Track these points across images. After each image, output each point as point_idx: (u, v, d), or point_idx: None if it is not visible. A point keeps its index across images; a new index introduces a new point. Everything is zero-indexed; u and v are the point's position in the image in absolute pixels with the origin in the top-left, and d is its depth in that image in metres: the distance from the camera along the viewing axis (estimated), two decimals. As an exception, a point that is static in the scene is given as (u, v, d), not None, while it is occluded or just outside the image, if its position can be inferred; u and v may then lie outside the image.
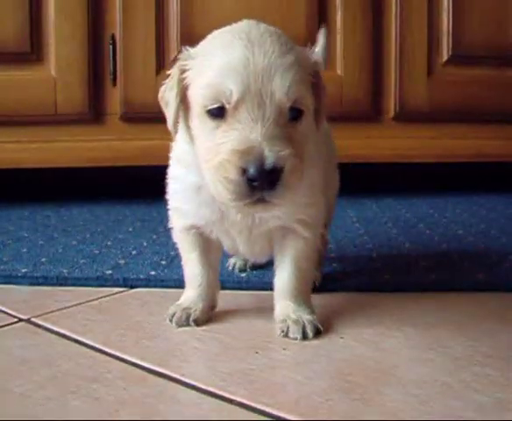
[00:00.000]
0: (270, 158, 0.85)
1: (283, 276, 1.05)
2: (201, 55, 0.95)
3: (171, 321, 1.04)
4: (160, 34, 1.98)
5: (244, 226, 1.03)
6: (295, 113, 0.91)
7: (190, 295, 1.09)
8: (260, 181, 0.85)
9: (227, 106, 0.89)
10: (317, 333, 1.00)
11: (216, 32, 0.98)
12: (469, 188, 2.35)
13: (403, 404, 0.78)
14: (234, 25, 0.97)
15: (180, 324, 1.04)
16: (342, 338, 0.99)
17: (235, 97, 0.88)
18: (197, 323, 1.04)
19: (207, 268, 1.09)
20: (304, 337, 0.98)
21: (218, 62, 0.91)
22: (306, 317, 1.02)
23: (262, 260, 1.20)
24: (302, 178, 0.91)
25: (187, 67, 0.96)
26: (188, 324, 1.04)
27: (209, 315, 1.07)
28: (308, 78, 0.94)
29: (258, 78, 0.88)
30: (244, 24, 0.96)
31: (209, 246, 1.09)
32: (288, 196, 0.89)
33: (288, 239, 1.05)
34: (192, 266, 1.10)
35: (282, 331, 1.00)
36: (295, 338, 0.98)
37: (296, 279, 1.05)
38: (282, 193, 0.87)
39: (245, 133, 0.87)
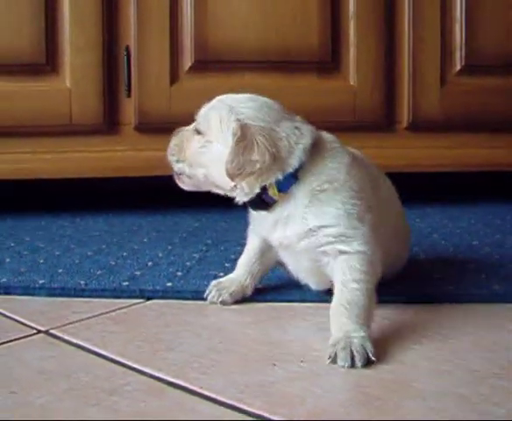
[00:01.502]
0: None
1: (334, 298, 1.06)
2: None
3: (207, 297, 1.22)
4: (174, 45, 1.99)
5: (275, 243, 1.17)
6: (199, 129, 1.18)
7: (232, 276, 1.26)
8: None
9: None
10: (368, 363, 0.94)
11: None
12: (483, 197, 2.35)
13: (422, 417, 0.78)
14: None
15: (211, 302, 1.21)
16: (359, 350, 1.00)
17: None
18: (223, 303, 1.21)
19: (252, 262, 1.25)
20: (352, 365, 0.94)
21: None
22: (356, 342, 0.97)
23: (311, 282, 1.21)
24: None
25: None
26: (215, 303, 1.21)
27: (236, 299, 1.22)
28: (229, 120, 1.12)
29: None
30: None
31: (265, 250, 1.24)
32: None
33: (333, 263, 1.10)
34: (244, 254, 1.27)
35: (330, 357, 0.95)
36: (343, 366, 0.93)
37: (345, 299, 1.04)
38: None
39: None
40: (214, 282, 1.24)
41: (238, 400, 0.82)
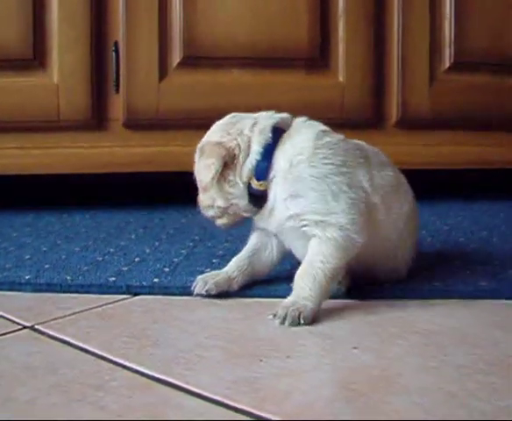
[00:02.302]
0: None
1: (300, 268, 1.15)
2: None
3: (193, 290, 1.21)
4: (163, 41, 1.98)
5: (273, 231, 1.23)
6: None
7: (225, 268, 1.25)
8: None
9: None
10: (298, 324, 1.07)
11: None
12: (471, 195, 2.35)
13: (408, 413, 0.78)
14: None
15: (197, 294, 1.21)
16: (345, 346, 1.00)
17: None
18: (208, 292, 1.20)
19: (244, 260, 1.25)
20: (282, 322, 1.08)
21: None
22: (303, 310, 1.09)
23: None
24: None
25: None
26: (201, 295, 1.20)
27: (222, 289, 1.21)
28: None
29: None
30: None
31: (259, 250, 1.26)
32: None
33: (311, 242, 1.16)
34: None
35: (278, 316, 1.09)
36: (284, 324, 1.08)
37: (307, 274, 1.13)
38: None
39: None
40: (200, 276, 1.24)
41: (225, 396, 0.82)
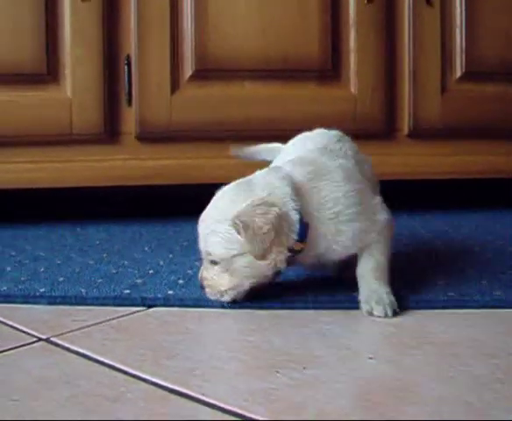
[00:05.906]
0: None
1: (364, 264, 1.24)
2: None
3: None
4: (175, 54, 1.99)
5: None
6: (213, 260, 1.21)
7: None
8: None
9: None
10: (395, 313, 1.17)
11: None
12: (484, 204, 2.34)
13: (425, 423, 0.78)
14: None
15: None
16: (361, 357, 0.99)
17: None
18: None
19: None
20: (386, 315, 1.15)
21: None
22: (385, 297, 1.18)
23: None
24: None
25: None
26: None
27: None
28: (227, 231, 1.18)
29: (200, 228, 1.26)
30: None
31: None
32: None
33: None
34: None
35: (367, 311, 1.17)
36: (379, 317, 1.15)
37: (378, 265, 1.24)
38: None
39: None
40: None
41: (241, 407, 0.82)
